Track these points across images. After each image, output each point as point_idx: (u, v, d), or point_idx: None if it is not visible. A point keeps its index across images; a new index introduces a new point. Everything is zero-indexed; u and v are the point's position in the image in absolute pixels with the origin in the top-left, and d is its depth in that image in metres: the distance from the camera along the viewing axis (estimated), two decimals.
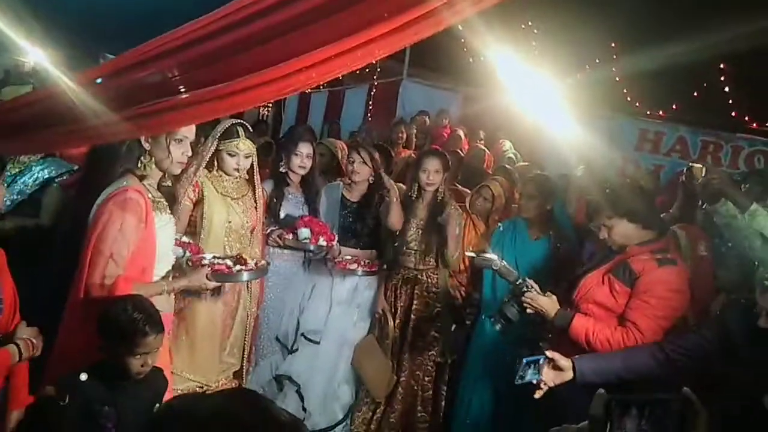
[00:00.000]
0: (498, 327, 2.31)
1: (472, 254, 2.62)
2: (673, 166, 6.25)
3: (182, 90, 1.79)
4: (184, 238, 2.50)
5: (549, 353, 1.98)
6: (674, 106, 6.33)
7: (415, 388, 3.28)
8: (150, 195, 2.08)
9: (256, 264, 2.54)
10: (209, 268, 2.29)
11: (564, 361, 1.98)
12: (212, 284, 2.29)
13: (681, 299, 2.17)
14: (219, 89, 1.77)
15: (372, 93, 6.91)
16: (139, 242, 1.98)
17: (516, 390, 2.04)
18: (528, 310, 2.28)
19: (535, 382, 1.96)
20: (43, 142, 2.09)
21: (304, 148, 3.17)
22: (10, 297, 1.71)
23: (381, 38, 1.69)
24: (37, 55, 8.10)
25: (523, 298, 2.27)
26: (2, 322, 1.68)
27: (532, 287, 2.28)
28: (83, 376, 1.73)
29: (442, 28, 1.74)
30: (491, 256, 2.40)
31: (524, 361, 1.96)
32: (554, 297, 2.29)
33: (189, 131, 2.15)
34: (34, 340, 1.71)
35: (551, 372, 1.98)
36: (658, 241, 2.25)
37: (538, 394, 1.98)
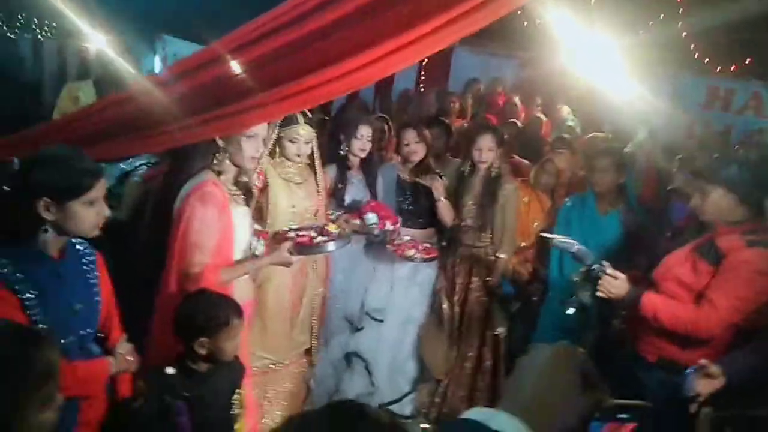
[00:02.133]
0: (570, 311, 2.27)
1: (549, 236, 2.55)
2: (745, 125, 5.91)
3: (254, 89, 1.82)
4: (256, 226, 2.53)
5: (702, 361, 1.91)
6: (747, 60, 5.92)
7: (476, 359, 3.33)
8: (226, 188, 2.17)
9: (339, 234, 2.52)
10: (291, 243, 2.29)
11: (714, 368, 1.90)
12: (295, 258, 2.31)
13: (766, 283, 2.04)
14: (289, 88, 1.79)
15: (423, 63, 6.78)
16: (221, 233, 2.08)
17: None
18: (600, 294, 2.23)
19: (692, 394, 1.89)
20: (124, 148, 2.18)
21: (365, 131, 3.16)
22: (107, 298, 1.80)
23: (451, 23, 1.65)
24: (98, 40, 8.37)
25: (598, 284, 2.21)
26: (100, 321, 1.77)
27: (606, 271, 2.22)
28: (170, 370, 1.82)
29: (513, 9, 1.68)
30: (570, 240, 2.33)
31: (687, 372, 1.91)
32: (623, 277, 2.23)
33: (261, 127, 2.22)
34: (130, 357, 1.77)
35: (703, 381, 1.90)
36: (750, 222, 2.13)
37: (693, 408, 1.90)
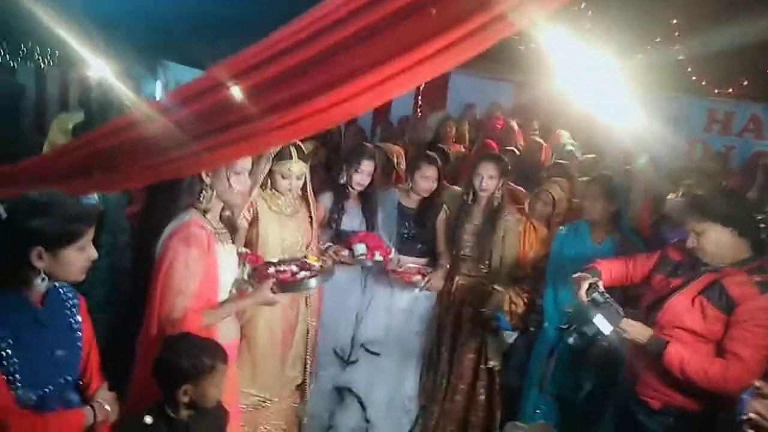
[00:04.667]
0: (571, 341, 2.19)
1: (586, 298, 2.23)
2: (745, 147, 5.87)
3: (250, 117, 1.79)
4: (242, 249, 2.46)
5: (757, 383, 1.80)
6: (745, 83, 5.92)
7: (468, 393, 3.25)
8: (211, 227, 2.12)
9: (321, 266, 2.43)
10: (273, 280, 2.19)
11: None
12: (279, 298, 2.20)
13: None
14: (287, 116, 1.76)
15: (420, 88, 6.79)
16: (204, 274, 2.03)
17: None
18: (624, 335, 2.13)
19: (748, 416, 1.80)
20: (118, 179, 2.14)
21: (367, 166, 3.14)
22: (88, 343, 1.76)
23: (449, 47, 1.63)
24: (99, 67, 8.45)
25: (621, 326, 2.11)
26: (81, 367, 1.73)
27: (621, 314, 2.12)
28: (148, 419, 1.76)
29: (511, 33, 1.66)
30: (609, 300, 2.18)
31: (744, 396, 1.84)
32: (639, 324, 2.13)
33: (246, 162, 2.19)
34: (108, 407, 1.71)
35: (759, 402, 1.78)
36: (755, 259, 2.05)
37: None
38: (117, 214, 3.02)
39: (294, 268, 2.35)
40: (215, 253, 2.08)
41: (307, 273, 2.33)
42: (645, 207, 3.33)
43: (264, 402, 2.75)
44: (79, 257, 1.60)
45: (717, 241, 2.06)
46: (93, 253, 1.64)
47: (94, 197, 2.94)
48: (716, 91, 5.98)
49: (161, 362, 1.82)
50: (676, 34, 6.38)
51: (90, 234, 1.62)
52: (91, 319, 1.77)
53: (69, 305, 1.72)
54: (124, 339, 2.07)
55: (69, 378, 1.67)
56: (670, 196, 3.30)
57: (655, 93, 5.62)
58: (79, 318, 1.73)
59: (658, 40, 6.42)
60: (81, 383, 1.74)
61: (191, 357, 1.79)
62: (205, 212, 2.13)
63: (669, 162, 4.51)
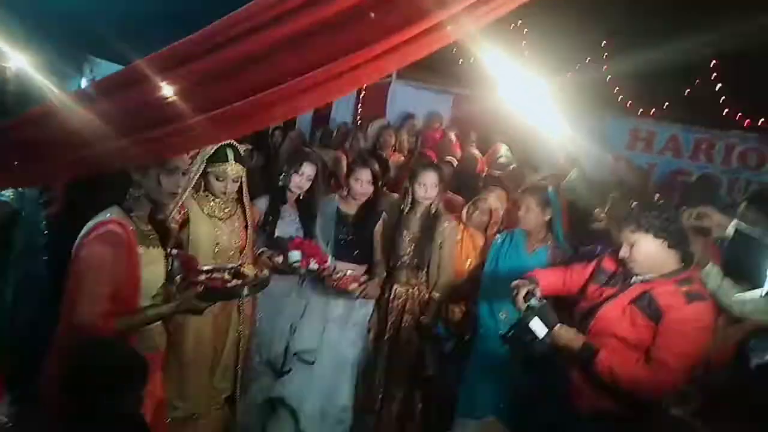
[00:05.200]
0: (508, 346, 2.21)
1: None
2: (666, 165, 6.25)
3: (182, 113, 1.70)
4: (174, 251, 2.28)
5: None
6: (665, 105, 6.30)
7: (404, 402, 3.24)
8: (135, 227, 1.99)
9: (255, 275, 2.30)
10: (201, 287, 2.06)
11: None
12: (204, 305, 2.07)
13: (709, 336, 2.05)
14: (219, 113, 1.68)
15: (361, 95, 6.80)
16: (122, 277, 1.89)
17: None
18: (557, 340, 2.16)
19: None
20: (39, 173, 1.97)
21: (308, 169, 3.08)
22: None
23: (391, 52, 1.62)
24: (18, 59, 7.91)
25: (556, 332, 2.14)
26: None
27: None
28: None
29: (449, 42, 1.67)
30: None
31: None
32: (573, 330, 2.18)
33: (181, 161, 2.08)
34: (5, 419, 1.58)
35: None
36: (683, 271, 2.14)
37: None
38: (33, 214, 2.82)
39: (226, 276, 2.24)
40: (136, 255, 1.95)
41: (239, 281, 2.22)
42: (571, 216, 3.43)
43: (193, 415, 2.62)
44: None
45: (648, 251, 2.13)
46: None
47: (6, 195, 2.73)
48: (640, 111, 6.33)
49: (70, 369, 1.68)
50: (605, 56, 6.71)
51: None
52: (0, 322, 1.62)
53: None
54: (36, 344, 1.90)
55: None
56: (597, 210, 3.44)
57: (583, 111, 5.87)
58: None
59: (587, 60, 6.73)
60: None
61: (103, 362, 1.67)
62: (130, 211, 2.00)
63: (594, 175, 4.71)
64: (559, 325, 2.17)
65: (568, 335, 2.17)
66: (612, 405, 2.17)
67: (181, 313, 2.09)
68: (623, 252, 2.19)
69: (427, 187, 3.16)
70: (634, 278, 2.20)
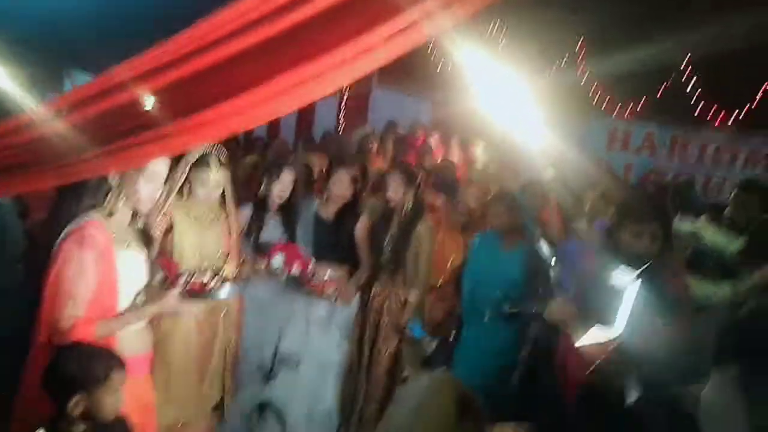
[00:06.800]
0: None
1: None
2: (642, 164, 6.40)
3: (160, 119, 1.73)
4: (154, 256, 2.30)
5: None
6: (639, 106, 6.46)
7: (384, 401, 3.24)
8: (114, 232, 2.00)
9: (234, 278, 2.37)
10: (180, 289, 2.09)
11: None
12: (184, 307, 2.11)
13: None
14: (193, 119, 1.71)
15: (343, 103, 6.88)
16: (100, 280, 1.90)
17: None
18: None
19: None
20: (17, 182, 1.99)
21: (287, 176, 3.13)
22: None
23: (361, 55, 1.66)
24: None
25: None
26: None
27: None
28: None
29: (423, 41, 1.72)
30: None
31: None
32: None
33: (161, 167, 2.07)
34: None
35: None
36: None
37: None
38: (9, 224, 2.82)
39: (206, 279, 2.28)
40: (114, 258, 1.96)
41: (218, 282, 2.27)
42: (551, 212, 3.51)
43: (180, 423, 2.63)
44: None
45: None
46: None
47: None
48: (615, 112, 6.47)
49: (49, 371, 1.70)
50: (579, 58, 6.86)
51: None
52: None
53: None
54: (14, 350, 1.92)
55: None
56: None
57: (562, 112, 5.99)
58: None
59: (564, 61, 6.87)
60: None
61: (81, 364, 1.68)
62: (109, 215, 2.01)
63: (574, 177, 4.80)
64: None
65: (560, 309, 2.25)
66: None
67: (163, 315, 2.12)
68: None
69: (391, 187, 3.25)
70: None
